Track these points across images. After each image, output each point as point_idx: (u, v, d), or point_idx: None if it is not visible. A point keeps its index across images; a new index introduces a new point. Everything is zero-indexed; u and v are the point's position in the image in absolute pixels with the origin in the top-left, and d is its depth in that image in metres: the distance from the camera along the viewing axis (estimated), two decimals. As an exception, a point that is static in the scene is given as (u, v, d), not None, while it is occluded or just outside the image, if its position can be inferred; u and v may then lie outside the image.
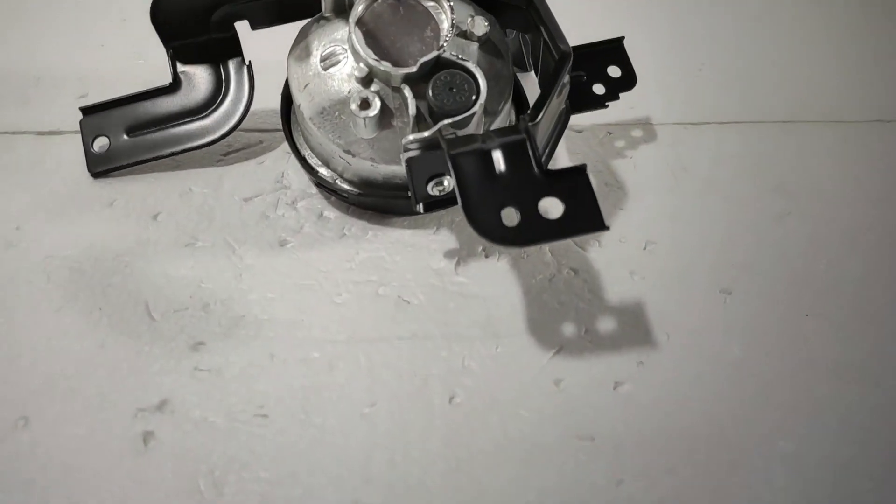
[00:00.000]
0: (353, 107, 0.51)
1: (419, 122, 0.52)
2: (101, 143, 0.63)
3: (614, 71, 0.65)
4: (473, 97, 0.51)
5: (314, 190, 0.62)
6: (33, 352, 0.50)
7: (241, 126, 0.63)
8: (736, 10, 0.82)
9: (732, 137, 0.70)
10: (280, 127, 0.68)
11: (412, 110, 0.51)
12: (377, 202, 0.59)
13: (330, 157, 0.57)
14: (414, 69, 0.51)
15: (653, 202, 0.63)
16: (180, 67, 0.64)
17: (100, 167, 0.62)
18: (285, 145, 0.66)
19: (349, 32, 0.52)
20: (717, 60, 0.77)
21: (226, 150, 0.65)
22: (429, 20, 0.54)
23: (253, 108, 0.62)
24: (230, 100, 0.64)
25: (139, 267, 0.55)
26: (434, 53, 0.51)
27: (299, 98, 0.55)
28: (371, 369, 0.49)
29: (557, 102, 0.54)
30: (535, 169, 0.45)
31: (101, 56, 0.77)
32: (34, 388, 0.48)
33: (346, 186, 0.58)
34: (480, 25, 0.54)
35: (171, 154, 0.63)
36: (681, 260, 0.58)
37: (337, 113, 0.53)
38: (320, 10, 0.55)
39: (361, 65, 0.52)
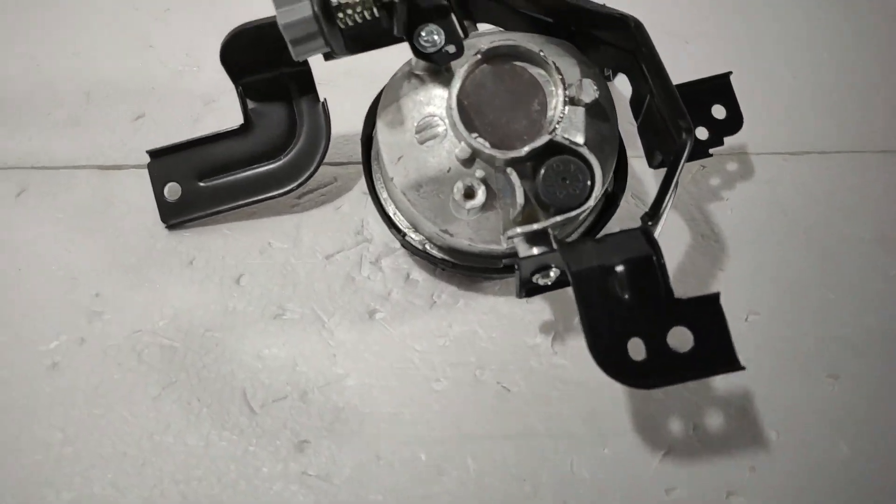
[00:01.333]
0: (458, 197, 0.48)
1: (525, 207, 0.49)
2: (172, 190, 0.60)
3: (719, 111, 0.60)
4: (588, 188, 0.47)
5: (397, 244, 0.59)
6: (139, 450, 0.49)
7: (314, 163, 0.59)
8: (836, 29, 0.75)
9: (836, 170, 0.66)
10: (354, 160, 0.65)
11: (520, 199, 0.47)
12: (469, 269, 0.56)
13: (421, 224, 0.54)
14: (522, 154, 0.47)
15: (752, 259, 0.60)
16: (250, 105, 0.59)
17: (174, 218, 0.60)
18: (361, 183, 0.63)
19: (448, 108, 0.48)
20: (819, 84, 0.71)
21: (299, 192, 0.61)
22: (536, 91, 0.49)
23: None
24: (305, 141, 0.60)
25: (230, 344, 0.53)
26: (545, 139, 0.47)
27: (392, 170, 0.51)
28: (480, 475, 0.49)
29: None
30: (664, 294, 0.42)
31: (151, 59, 0.72)
32: (146, 495, 0.48)
33: (437, 254, 0.55)
34: (589, 91, 0.49)
35: (248, 203, 0.59)
36: (785, 335, 0.56)
37: (435, 191, 0.50)
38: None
39: (463, 144, 0.48)
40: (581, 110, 0.50)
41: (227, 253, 0.58)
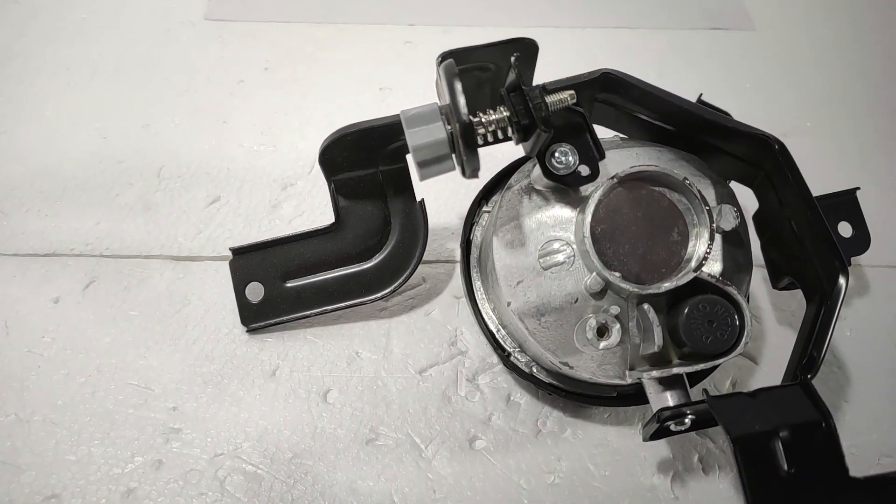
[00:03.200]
0: (590, 334, 0.43)
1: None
2: (254, 291, 0.55)
3: (844, 229, 0.56)
4: (737, 332, 0.42)
5: (495, 358, 0.55)
6: None
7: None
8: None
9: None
10: (443, 258, 0.61)
11: (659, 340, 0.43)
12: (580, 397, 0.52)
13: (534, 350, 0.49)
14: (661, 291, 0.43)
15: (878, 388, 0.55)
16: (341, 202, 0.55)
17: (256, 321, 0.55)
18: (452, 286, 0.59)
19: (580, 236, 0.44)
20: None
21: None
22: (675, 219, 0.45)
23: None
24: (398, 242, 0.56)
25: (321, 474, 0.49)
26: (689, 276, 0.43)
27: (510, 294, 0.47)
28: None
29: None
30: (838, 470, 0.38)
31: (225, 136, 0.68)
32: None
33: (544, 379, 0.50)
34: (730, 218, 0.45)
35: (336, 309, 0.55)
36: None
37: (558, 322, 0.46)
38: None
39: (595, 276, 0.44)
40: (718, 238, 0.46)
41: (313, 363, 0.54)
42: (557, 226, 0.46)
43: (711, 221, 0.43)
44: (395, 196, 0.55)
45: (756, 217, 0.52)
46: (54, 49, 0.74)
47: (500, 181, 0.57)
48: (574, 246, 0.46)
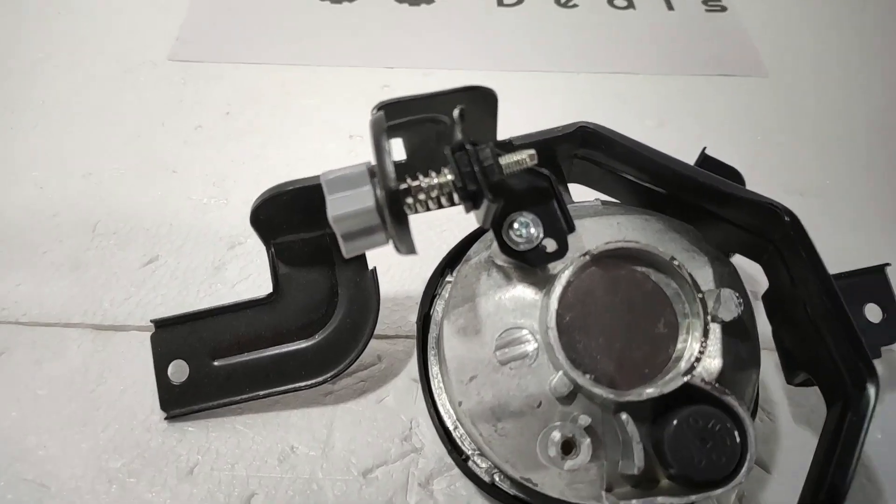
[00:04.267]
0: (552, 451, 0.35)
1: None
2: (178, 370, 0.48)
3: (872, 312, 0.47)
4: (738, 455, 0.34)
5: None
6: None
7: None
8: None
9: None
10: (403, 332, 0.53)
11: (639, 460, 0.34)
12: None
13: (486, 453, 0.41)
14: (643, 398, 0.34)
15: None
16: (281, 269, 0.48)
17: (177, 406, 0.48)
18: (413, 365, 0.51)
19: (544, 327, 0.36)
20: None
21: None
22: (662, 307, 0.37)
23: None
24: (346, 316, 0.48)
25: None
26: (678, 381, 0.34)
27: (460, 392, 0.38)
28: None
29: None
30: None
31: (173, 187, 0.61)
32: None
33: (508, 490, 0.42)
34: (730, 305, 0.36)
35: (271, 394, 0.47)
36: None
37: (518, 430, 0.37)
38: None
39: (562, 376, 0.36)
40: (717, 329, 0.38)
41: (239, 459, 0.46)
42: (519, 310, 0.38)
43: (706, 312, 0.35)
44: (343, 263, 0.48)
45: (766, 297, 0.44)
46: (1, 90, 0.69)
47: (468, 245, 0.49)
48: (538, 337, 0.37)
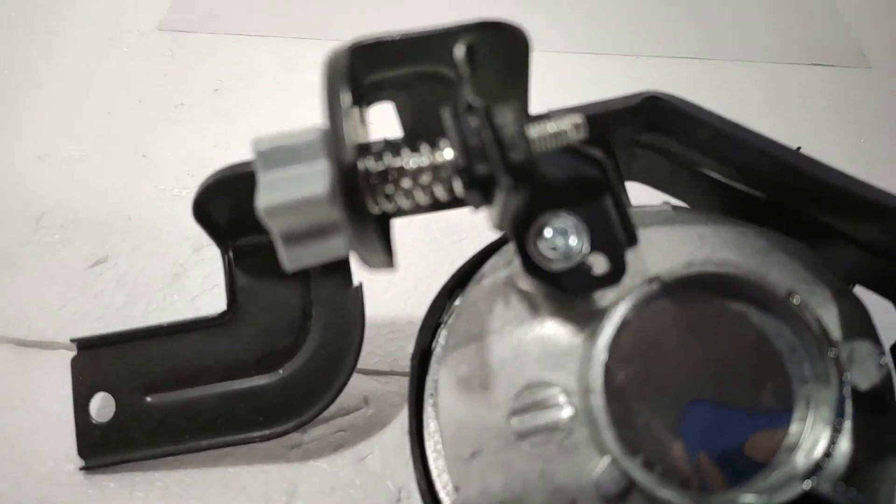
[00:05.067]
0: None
1: None
2: (103, 406, 0.37)
3: None
4: None
5: (456, 546, 0.34)
6: None
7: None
8: None
9: None
10: (399, 369, 0.41)
11: None
12: None
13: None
14: (742, 510, 0.22)
15: None
16: (240, 282, 0.36)
17: (98, 454, 0.37)
18: (402, 417, 0.39)
19: (584, 385, 0.23)
20: None
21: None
22: (771, 367, 0.24)
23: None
24: (320, 345, 0.36)
25: None
26: (795, 490, 0.21)
27: (457, 472, 0.26)
28: None
29: None
30: None
31: (139, 173, 0.51)
32: None
33: None
34: (869, 366, 0.24)
35: (215, 446, 0.36)
36: None
37: (538, 534, 0.25)
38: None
39: (609, 464, 0.23)
40: (850, 406, 0.25)
41: (169, 532, 0.34)
42: (549, 359, 0.26)
43: (841, 378, 0.22)
44: (322, 275, 0.36)
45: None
46: (-38, 55, 0.60)
47: (487, 257, 0.36)
48: (576, 401, 0.25)
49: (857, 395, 0.24)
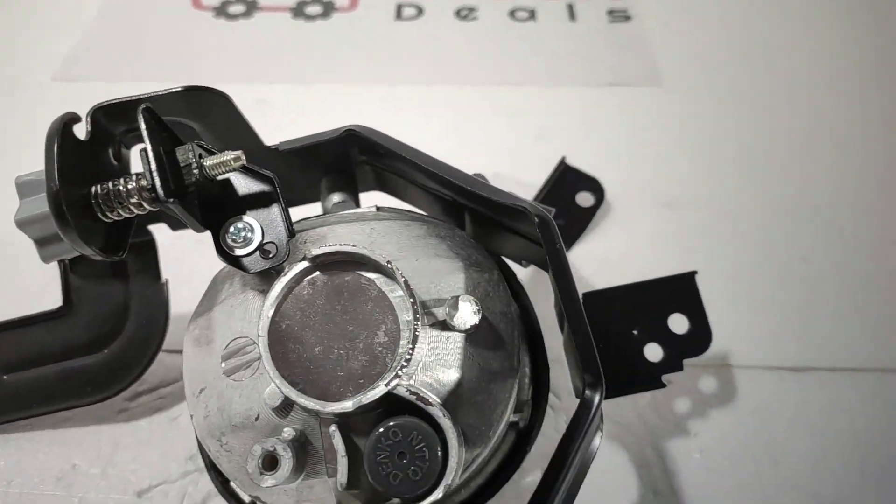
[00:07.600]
0: (251, 466, 0.33)
1: (358, 479, 0.34)
2: (-31, 386, 0.47)
3: (678, 323, 0.44)
4: (436, 471, 0.31)
5: (239, 477, 0.44)
6: None
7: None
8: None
9: (833, 391, 0.49)
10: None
11: (342, 476, 0.32)
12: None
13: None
14: (349, 408, 0.32)
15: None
16: (74, 282, 0.47)
17: (-40, 423, 0.47)
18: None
19: (257, 335, 0.34)
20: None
21: (133, 392, 0.48)
22: (384, 314, 0.35)
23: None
24: (135, 330, 0.47)
25: None
26: (379, 391, 0.32)
27: (192, 404, 0.37)
28: None
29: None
30: None
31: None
32: None
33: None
34: (468, 312, 0.34)
35: (55, 411, 0.46)
36: None
37: (240, 445, 0.35)
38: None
39: (273, 387, 0.34)
40: (456, 338, 0.35)
41: (17, 476, 0.45)
42: (247, 319, 0.37)
43: (416, 318, 0.33)
44: (137, 274, 0.47)
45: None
46: None
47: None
48: (259, 345, 0.36)
49: (471, 334, 0.35)
